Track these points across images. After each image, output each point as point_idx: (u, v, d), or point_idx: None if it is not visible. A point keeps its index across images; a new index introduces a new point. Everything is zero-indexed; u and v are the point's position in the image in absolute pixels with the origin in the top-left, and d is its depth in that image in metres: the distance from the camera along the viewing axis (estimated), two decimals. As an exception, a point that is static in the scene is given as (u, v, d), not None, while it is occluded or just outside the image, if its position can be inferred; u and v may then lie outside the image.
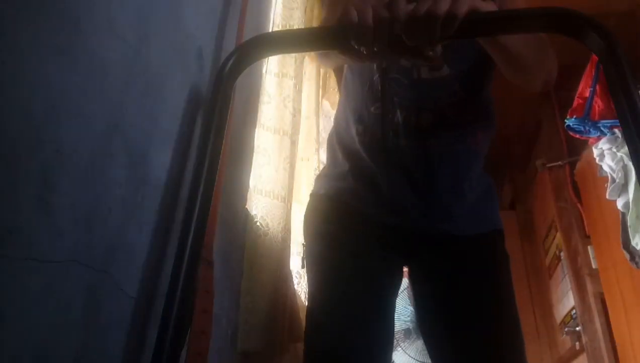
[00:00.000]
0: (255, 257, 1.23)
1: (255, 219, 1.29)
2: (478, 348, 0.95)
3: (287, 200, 1.38)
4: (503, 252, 1.06)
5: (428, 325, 1.05)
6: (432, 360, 1.05)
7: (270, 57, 1.49)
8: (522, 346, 0.98)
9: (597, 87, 2.27)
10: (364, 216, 1.04)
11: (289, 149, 1.43)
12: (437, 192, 1.02)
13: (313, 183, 1.20)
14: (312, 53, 0.95)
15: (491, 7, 0.77)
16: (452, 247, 1.03)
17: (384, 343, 0.99)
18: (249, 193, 1.30)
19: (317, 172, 1.74)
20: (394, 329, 1.06)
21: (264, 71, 1.47)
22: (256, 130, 1.38)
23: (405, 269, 1.12)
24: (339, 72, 2.14)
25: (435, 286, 1.03)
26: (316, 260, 1.05)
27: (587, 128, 2.30)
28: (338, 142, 1.12)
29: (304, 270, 1.14)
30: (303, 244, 1.14)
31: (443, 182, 1.02)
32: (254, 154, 1.35)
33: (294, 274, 1.53)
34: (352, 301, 0.97)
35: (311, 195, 1.15)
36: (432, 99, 1.01)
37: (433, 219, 1.03)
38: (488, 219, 1.07)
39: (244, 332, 1.13)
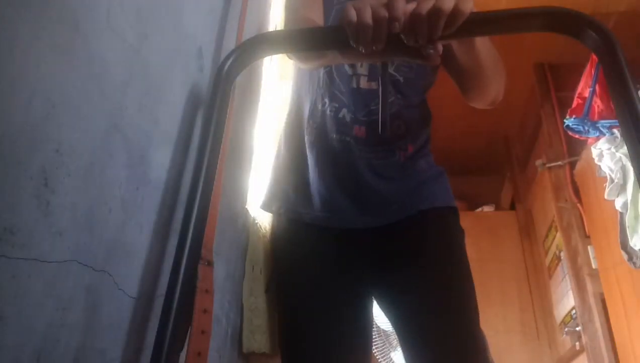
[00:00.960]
0: (257, 257, 1.23)
1: (257, 221, 1.29)
2: (432, 331, 0.94)
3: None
4: (451, 224, 1.07)
5: (393, 316, 1.04)
6: (404, 351, 1.03)
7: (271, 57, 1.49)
8: (474, 321, 0.96)
9: (597, 87, 2.28)
10: (316, 228, 1.05)
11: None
12: (368, 194, 1.04)
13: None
14: (292, 55, 0.97)
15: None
16: (396, 234, 1.03)
17: (365, 350, 1.02)
18: (249, 191, 1.30)
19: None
20: (369, 331, 1.07)
21: (263, 70, 1.48)
22: (257, 132, 1.38)
23: None
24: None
25: (389, 277, 1.03)
26: (283, 287, 1.08)
27: (586, 128, 2.30)
28: (284, 140, 1.14)
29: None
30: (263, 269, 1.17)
31: (374, 186, 1.04)
32: (256, 154, 1.35)
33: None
34: (319, 320, 1.00)
35: (272, 214, 1.17)
36: (368, 111, 1.03)
37: (368, 216, 1.04)
38: (429, 198, 1.07)
39: (249, 333, 1.13)
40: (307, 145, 1.07)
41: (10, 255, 0.48)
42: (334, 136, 1.04)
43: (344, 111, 1.04)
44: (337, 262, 1.03)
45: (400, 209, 1.04)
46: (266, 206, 1.16)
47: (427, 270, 0.99)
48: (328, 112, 1.05)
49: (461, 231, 1.07)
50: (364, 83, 1.05)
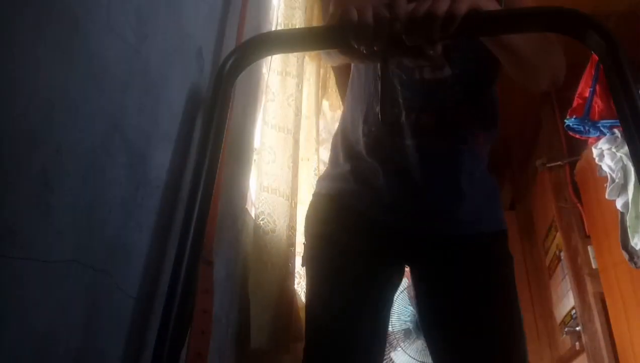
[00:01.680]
0: (261, 254, 1.23)
1: (262, 217, 1.29)
2: (478, 354, 0.95)
3: (291, 198, 1.38)
4: (505, 252, 1.05)
5: (429, 326, 1.05)
6: (433, 359, 1.05)
7: (274, 56, 1.49)
8: (523, 351, 0.97)
9: (597, 87, 2.27)
10: (364, 216, 1.04)
11: (292, 147, 1.43)
12: (436, 193, 1.02)
13: (313, 183, 1.20)
14: (313, 52, 0.95)
15: (493, 5, 0.77)
16: (453, 248, 1.02)
17: (377, 340, 1.01)
18: (254, 190, 1.30)
19: (317, 172, 1.75)
20: (387, 326, 1.07)
21: (264, 70, 1.48)
22: (261, 128, 1.38)
23: (406, 268, 1.12)
24: (339, 72, 2.14)
25: (436, 286, 1.03)
26: (315, 261, 1.06)
27: (586, 128, 2.30)
28: (342, 142, 1.12)
29: (304, 269, 1.15)
30: (304, 243, 1.15)
31: (443, 184, 1.01)
32: (260, 151, 1.35)
33: (295, 273, 1.54)
34: (348, 303, 0.98)
35: (313, 195, 1.16)
36: (434, 100, 1.00)
37: (433, 220, 1.03)
38: (491, 220, 1.06)
39: (255, 330, 1.13)
40: (364, 148, 1.05)
41: (10, 255, 0.48)
42: (391, 139, 1.01)
43: (402, 113, 1.01)
44: (380, 253, 1.02)
45: (467, 225, 1.03)
46: (333, 196, 1.10)
47: (485, 299, 0.98)
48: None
49: (512, 259, 1.06)
50: (428, 73, 1.02)
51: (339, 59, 0.93)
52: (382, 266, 1.03)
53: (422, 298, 1.09)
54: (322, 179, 1.16)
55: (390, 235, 1.03)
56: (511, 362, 0.96)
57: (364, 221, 1.03)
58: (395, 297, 1.86)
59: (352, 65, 1.13)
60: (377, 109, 1.02)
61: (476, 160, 1.05)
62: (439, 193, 1.02)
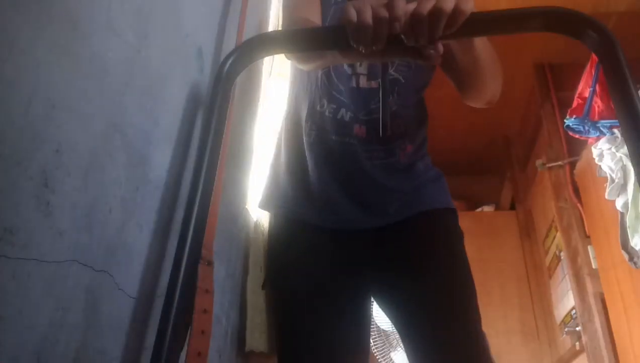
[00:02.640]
0: (260, 256, 1.23)
1: (260, 219, 1.29)
2: (433, 332, 0.94)
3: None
4: (451, 226, 1.07)
5: (397, 318, 1.03)
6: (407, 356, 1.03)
7: (275, 58, 1.49)
8: (476, 319, 0.97)
9: (597, 87, 2.27)
10: (312, 226, 1.05)
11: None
12: (368, 194, 1.04)
13: None
14: (291, 55, 0.97)
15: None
16: (396, 235, 1.03)
17: (357, 351, 1.01)
18: (249, 191, 1.30)
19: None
20: (367, 333, 1.07)
21: (263, 70, 1.48)
22: (261, 127, 1.38)
23: None
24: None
25: (390, 280, 1.03)
26: (279, 286, 1.07)
27: (586, 128, 2.30)
28: (283, 142, 1.15)
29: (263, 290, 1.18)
30: (262, 266, 1.17)
31: (374, 187, 1.04)
32: (260, 150, 1.35)
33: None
34: (315, 322, 0.99)
35: (260, 207, 1.17)
36: (367, 109, 1.03)
37: (368, 216, 1.04)
38: (429, 200, 1.08)
39: (251, 332, 1.13)
40: (305, 146, 1.07)
41: (10, 255, 0.48)
42: (333, 137, 1.04)
43: (343, 111, 1.04)
44: (334, 262, 1.03)
45: (400, 211, 1.04)
46: (264, 205, 1.16)
47: (428, 272, 0.99)
48: (327, 113, 1.05)
49: (461, 233, 1.07)
50: (363, 82, 1.05)
51: (335, 60, 0.94)
52: (342, 278, 1.03)
53: (389, 304, 1.06)
54: (269, 195, 1.16)
55: (339, 238, 1.04)
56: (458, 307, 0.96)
57: (314, 232, 1.05)
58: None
59: (291, 63, 1.14)
60: (318, 107, 1.05)
61: (407, 168, 1.08)
62: (371, 194, 1.04)
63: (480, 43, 0.87)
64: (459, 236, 1.07)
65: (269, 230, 1.16)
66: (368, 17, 0.69)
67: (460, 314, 0.95)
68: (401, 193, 1.06)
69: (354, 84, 1.05)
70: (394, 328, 1.82)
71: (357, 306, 1.04)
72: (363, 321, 1.05)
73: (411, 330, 0.97)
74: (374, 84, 1.04)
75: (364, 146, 1.04)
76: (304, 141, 1.07)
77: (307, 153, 1.07)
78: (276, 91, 1.51)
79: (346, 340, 0.99)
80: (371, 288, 1.06)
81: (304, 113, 1.08)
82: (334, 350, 0.97)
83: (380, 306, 1.08)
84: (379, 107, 1.02)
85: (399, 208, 1.05)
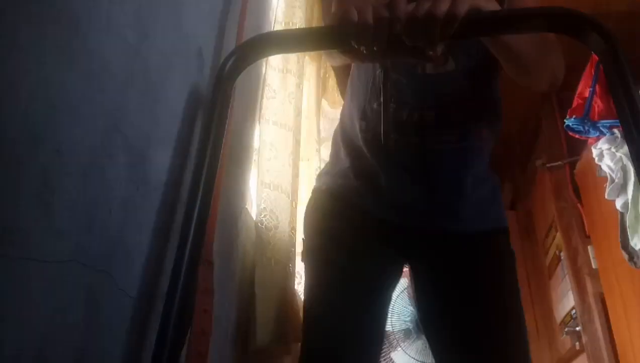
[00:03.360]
0: (265, 251, 1.23)
1: (265, 213, 1.28)
2: (482, 349, 0.95)
3: (292, 198, 1.38)
4: (508, 250, 1.05)
5: (431, 325, 1.05)
6: (435, 358, 1.04)
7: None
8: (525, 346, 0.97)
9: (597, 87, 2.27)
10: (364, 213, 1.04)
11: (292, 145, 1.43)
12: (438, 190, 1.02)
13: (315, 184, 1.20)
14: (314, 53, 0.95)
15: (493, 5, 0.76)
16: (454, 245, 1.02)
17: (375, 338, 1.01)
18: (256, 186, 1.30)
19: (318, 172, 1.75)
20: (385, 324, 1.07)
21: (264, 69, 1.47)
22: (262, 125, 1.38)
23: (405, 269, 1.12)
24: (339, 72, 2.14)
25: (437, 285, 1.03)
26: (314, 256, 1.06)
27: (586, 128, 2.30)
28: (342, 139, 1.12)
29: (302, 264, 1.15)
30: (302, 239, 1.15)
31: (444, 180, 1.01)
32: (260, 148, 1.35)
33: (295, 274, 1.54)
34: (346, 298, 0.98)
35: (313, 191, 1.15)
36: (437, 95, 1.00)
37: (434, 217, 1.02)
38: (492, 218, 1.06)
39: (261, 327, 1.13)
40: (363, 144, 1.03)
41: (11, 255, 0.48)
42: (392, 135, 1.00)
43: (402, 109, 1.00)
44: (380, 250, 1.02)
45: (468, 222, 1.03)
46: (331, 189, 1.10)
47: (486, 297, 0.98)
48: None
49: (514, 255, 1.06)
50: (430, 68, 1.01)
51: (340, 59, 0.93)
52: (382, 264, 1.03)
53: (422, 297, 1.09)
54: (322, 175, 1.16)
55: (390, 232, 1.03)
56: (516, 358, 0.96)
57: (364, 217, 1.03)
58: (394, 297, 1.85)
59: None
60: (375, 105, 1.02)
61: (478, 157, 1.05)
62: (440, 189, 1.02)
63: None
64: (513, 262, 1.05)
65: (316, 204, 1.12)
66: (369, 17, 0.69)
67: (514, 344, 0.96)
68: (470, 196, 1.02)
69: (419, 70, 1.01)
70: (394, 328, 1.83)
71: (383, 297, 1.04)
72: (384, 312, 1.05)
73: (454, 338, 0.98)
74: (441, 69, 0.99)
75: (431, 133, 0.99)
76: (361, 138, 1.04)
77: (366, 151, 1.04)
78: (282, 87, 1.50)
79: (368, 325, 0.99)
80: (416, 271, 1.07)
81: (360, 111, 1.06)
82: (357, 332, 0.97)
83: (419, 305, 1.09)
84: (450, 90, 0.99)
85: (468, 217, 1.03)
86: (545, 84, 0.98)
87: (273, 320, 1.17)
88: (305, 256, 1.09)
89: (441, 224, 1.03)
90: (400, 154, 1.01)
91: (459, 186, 1.02)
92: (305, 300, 1.04)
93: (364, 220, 1.03)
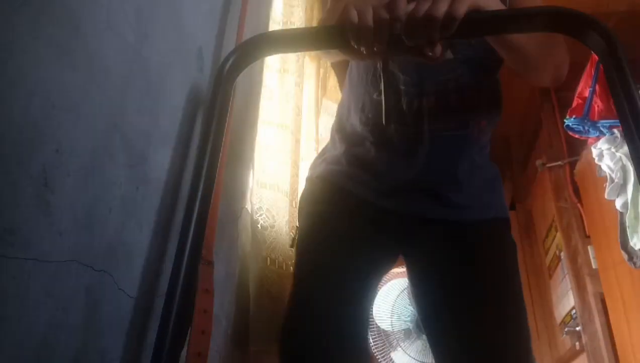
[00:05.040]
0: (261, 250, 1.23)
1: (261, 213, 1.28)
2: (482, 341, 0.93)
3: (291, 197, 1.38)
4: (508, 240, 1.03)
5: (430, 317, 1.01)
6: (434, 354, 1.02)
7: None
8: (528, 338, 0.95)
9: (597, 87, 2.27)
10: (357, 198, 1.03)
11: (291, 144, 1.43)
12: (434, 177, 1.01)
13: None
14: (313, 52, 0.95)
15: (494, 3, 0.76)
16: (450, 233, 1.00)
17: (359, 325, 0.96)
18: (253, 186, 1.30)
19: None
20: (369, 311, 1.04)
21: (264, 67, 1.48)
22: (259, 126, 1.38)
23: (404, 269, 1.12)
24: (337, 68, 2.14)
25: (434, 276, 1.00)
26: (304, 238, 1.03)
27: (586, 128, 2.30)
28: (337, 129, 1.12)
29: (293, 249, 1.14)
30: (296, 226, 1.14)
31: (441, 168, 1.00)
32: (258, 149, 1.35)
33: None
34: (333, 282, 0.94)
35: (306, 179, 1.15)
36: (437, 82, 0.99)
37: (430, 204, 1.01)
38: (491, 207, 1.05)
39: (255, 329, 1.13)
40: (363, 136, 1.04)
41: (10, 255, 0.48)
42: (392, 125, 1.00)
43: (403, 99, 1.00)
44: (373, 237, 1.01)
45: (467, 210, 1.01)
46: (326, 176, 1.09)
47: (488, 285, 0.96)
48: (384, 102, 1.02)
49: (515, 246, 1.04)
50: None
51: (337, 56, 0.93)
52: (371, 249, 1.01)
53: (417, 287, 1.05)
54: (316, 164, 1.15)
55: (384, 218, 1.01)
56: (517, 349, 0.94)
57: (357, 202, 1.02)
58: (394, 297, 1.85)
59: None
60: (374, 95, 1.02)
61: (477, 145, 1.04)
62: (436, 177, 1.01)
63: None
64: (514, 253, 1.03)
65: (308, 191, 1.10)
66: (369, 19, 0.69)
67: (514, 332, 0.95)
68: (469, 191, 1.01)
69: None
70: (394, 328, 1.83)
71: (371, 283, 1.02)
72: (370, 297, 1.03)
73: (453, 328, 0.94)
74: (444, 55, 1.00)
75: (432, 119, 0.99)
76: (360, 130, 1.04)
77: (367, 141, 1.04)
78: (280, 87, 1.50)
79: (352, 312, 0.97)
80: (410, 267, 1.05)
81: (360, 102, 1.06)
82: (341, 314, 0.95)
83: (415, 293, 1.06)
84: (450, 78, 0.98)
85: (466, 205, 1.01)
86: (549, 80, 0.98)
87: (267, 322, 1.17)
88: (297, 238, 1.07)
89: (437, 212, 1.01)
90: (399, 142, 1.00)
91: (455, 174, 1.01)
92: (294, 275, 1.01)
93: (357, 205, 1.02)
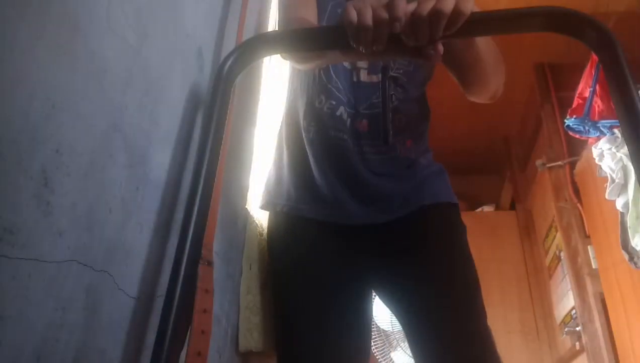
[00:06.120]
0: (253, 255, 1.23)
1: (256, 217, 1.29)
2: (432, 320, 0.95)
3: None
4: (454, 220, 1.08)
5: (407, 320, 1.03)
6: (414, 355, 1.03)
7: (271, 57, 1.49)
8: (481, 314, 0.97)
9: (597, 87, 2.28)
10: (312, 223, 1.06)
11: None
12: (370, 191, 1.05)
13: None
14: (288, 55, 0.97)
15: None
16: (400, 229, 1.04)
17: (364, 347, 1.02)
18: (249, 191, 1.30)
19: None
20: (370, 322, 1.08)
21: (263, 70, 1.48)
22: (259, 126, 1.38)
23: None
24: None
25: (393, 272, 1.03)
26: (280, 287, 1.08)
27: (586, 128, 2.30)
28: (285, 139, 1.14)
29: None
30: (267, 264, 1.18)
31: (376, 183, 1.05)
32: (258, 149, 1.35)
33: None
34: (323, 325, 0.99)
35: (269, 211, 1.17)
36: (368, 103, 1.04)
37: (371, 211, 1.04)
38: (432, 194, 1.08)
39: (246, 332, 1.13)
40: (306, 143, 1.07)
41: (10, 255, 0.48)
42: (332, 133, 1.04)
43: (342, 108, 1.05)
44: (337, 258, 1.03)
45: (403, 206, 1.05)
46: (267, 206, 1.15)
47: (432, 266, 0.99)
48: (325, 109, 1.05)
49: (464, 227, 1.08)
50: (364, 76, 1.05)
51: (314, 62, 0.95)
52: (352, 273, 1.04)
53: (386, 293, 1.08)
54: (267, 193, 1.17)
55: (343, 235, 1.04)
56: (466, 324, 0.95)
57: (313, 228, 1.05)
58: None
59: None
60: (316, 103, 1.05)
61: (406, 162, 1.08)
62: (373, 188, 1.05)
63: (482, 39, 0.88)
64: (462, 230, 1.07)
65: (269, 229, 1.15)
66: (368, 18, 0.69)
67: (465, 309, 0.96)
68: (404, 188, 1.06)
69: (354, 78, 1.05)
70: (394, 328, 1.83)
71: (359, 307, 1.04)
72: (364, 320, 1.05)
73: (414, 323, 0.97)
74: (375, 78, 1.05)
75: (365, 141, 1.03)
76: (304, 137, 1.07)
77: (307, 150, 1.07)
78: (274, 92, 1.51)
79: (345, 340, 0.99)
80: (374, 284, 1.07)
81: (302, 110, 1.09)
82: (333, 350, 0.97)
83: (384, 303, 1.08)
84: (377, 102, 1.03)
85: (401, 203, 1.05)
86: (488, 96, 1.02)
87: (257, 326, 1.16)
88: (273, 284, 1.11)
89: (378, 218, 1.04)
90: (336, 152, 1.04)
91: (389, 186, 1.05)
92: (276, 327, 1.05)
93: (314, 232, 1.06)
